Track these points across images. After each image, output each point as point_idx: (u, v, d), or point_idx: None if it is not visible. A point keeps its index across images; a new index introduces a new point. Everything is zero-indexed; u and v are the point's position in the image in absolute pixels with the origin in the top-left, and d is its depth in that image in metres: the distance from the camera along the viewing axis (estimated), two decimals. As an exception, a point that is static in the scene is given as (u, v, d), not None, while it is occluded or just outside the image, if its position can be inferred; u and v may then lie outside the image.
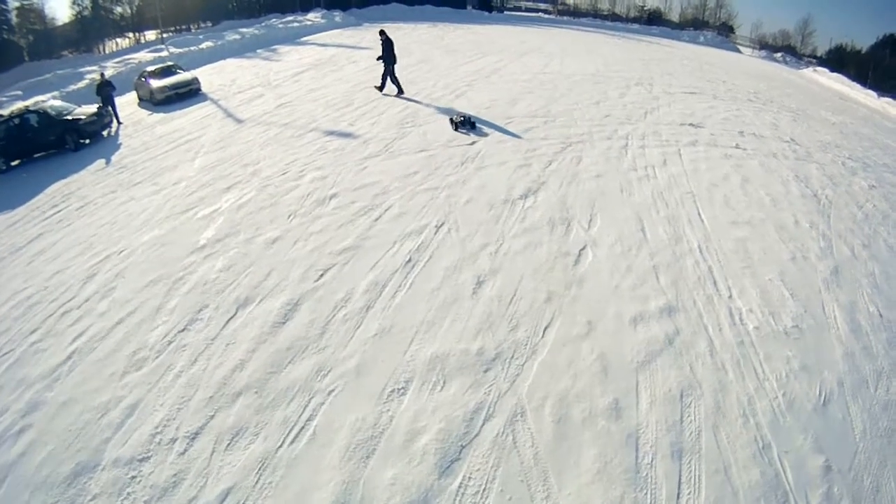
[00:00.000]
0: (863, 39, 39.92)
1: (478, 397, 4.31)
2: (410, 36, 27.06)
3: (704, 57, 27.02)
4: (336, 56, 20.38)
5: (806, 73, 30.33)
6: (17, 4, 27.37)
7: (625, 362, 4.60)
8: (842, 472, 3.77)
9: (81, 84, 17.43)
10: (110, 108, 14.06)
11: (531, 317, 5.10)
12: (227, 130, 12.09)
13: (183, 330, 5.32)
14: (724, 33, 40.71)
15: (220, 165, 9.71)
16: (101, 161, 11.59)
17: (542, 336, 4.90)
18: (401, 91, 13.50)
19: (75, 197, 9.79)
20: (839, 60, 34.15)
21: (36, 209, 9.72)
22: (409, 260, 6.23)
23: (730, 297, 5.51)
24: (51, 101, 13.92)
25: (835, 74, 28.40)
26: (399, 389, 4.48)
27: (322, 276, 6.02)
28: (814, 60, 36.64)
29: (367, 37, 26.01)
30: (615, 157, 9.24)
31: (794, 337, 5.02)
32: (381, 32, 13.39)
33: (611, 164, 8.87)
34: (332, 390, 4.50)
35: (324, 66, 18.87)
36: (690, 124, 11.45)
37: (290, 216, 7.34)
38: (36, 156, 12.84)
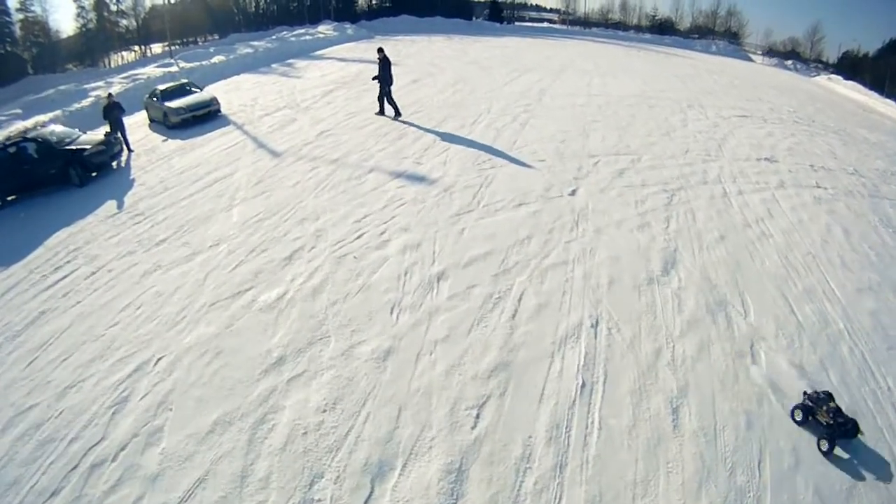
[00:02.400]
0: (867, 43, 39.45)
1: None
2: (430, 50, 25.59)
3: (727, 69, 26.92)
4: (362, 73, 18.57)
5: (821, 82, 30.10)
6: (20, 17, 25.94)
7: (834, 491, 4.01)
8: None
9: (86, 102, 15.36)
10: (119, 135, 12.02)
11: (742, 453, 4.25)
12: (263, 166, 10.16)
13: (292, 526, 3.39)
14: (734, 42, 40.26)
15: (269, 219, 7.79)
16: (112, 203, 9.57)
17: (759, 476, 4.10)
18: (397, 113, 12.63)
19: (83, 256, 7.77)
20: (852, 67, 33.40)
21: (35, 270, 7.68)
22: (583, 384, 4.77)
23: (888, 388, 5.00)
24: (51, 127, 11.84)
25: (850, 83, 28.10)
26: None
27: (478, 418, 4.27)
28: (820, 66, 36.38)
29: (385, 50, 24.40)
30: (723, 208, 8.48)
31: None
32: (380, 50, 12.43)
33: (724, 219, 8.11)
34: None
35: (352, 84, 17.09)
36: (766, 159, 11.08)
37: (393, 310, 5.45)
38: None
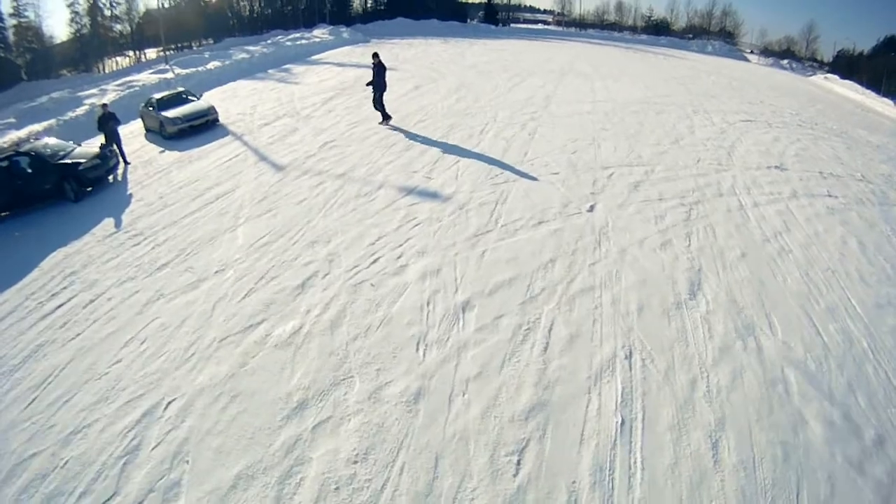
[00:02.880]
0: (861, 41, 39.82)
1: None
2: (428, 54, 25.37)
3: (724, 70, 27.11)
4: (361, 78, 18.22)
5: (817, 81, 30.40)
6: (13, 22, 25.52)
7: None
8: None
9: (80, 111, 14.95)
10: (115, 147, 11.64)
11: (781, 486, 4.16)
12: (266, 181, 9.82)
13: None
14: (730, 42, 40.49)
15: (276, 242, 7.45)
16: (109, 221, 9.19)
17: (800, 508, 3.92)
18: (387, 118, 12.60)
19: (80, 281, 7.39)
20: (848, 66, 33.57)
21: (30, 296, 7.30)
22: (622, 421, 4.54)
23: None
24: (45, 139, 11.43)
25: (847, 82, 28.67)
26: None
27: (519, 464, 4.04)
28: (815, 64, 36.65)
29: (382, 54, 24.10)
30: (741, 222, 8.33)
31: None
32: (375, 56, 12.22)
33: (743, 235, 7.94)
34: None
35: (352, 90, 16.79)
36: (776, 167, 11.01)
37: (418, 345, 5.14)
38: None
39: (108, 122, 11.74)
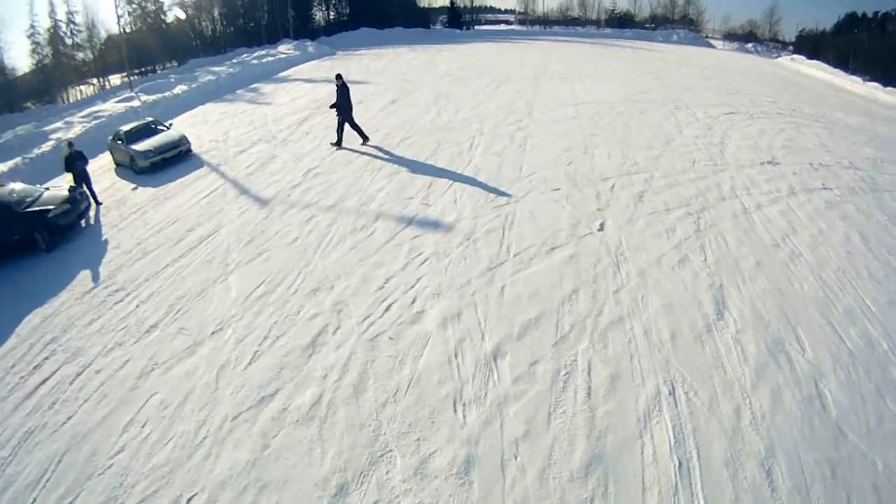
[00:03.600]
0: (822, 19, 40.70)
1: None
2: (398, 64, 24.97)
3: (693, 59, 27.65)
4: (334, 96, 17.66)
5: (784, 63, 30.98)
6: None
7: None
8: None
9: (46, 147, 14.09)
10: (85, 187, 10.91)
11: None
12: (252, 219, 9.26)
13: None
14: (694, 29, 41.16)
15: (274, 292, 6.94)
16: (86, 274, 8.50)
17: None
18: (365, 139, 12.18)
19: (63, 350, 6.74)
20: (814, 46, 34.25)
21: (11, 370, 6.61)
22: (679, 464, 4.40)
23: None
24: (10, 185, 10.60)
25: (814, 62, 29.11)
26: None
27: None
28: (779, 45, 37.40)
29: (351, 67, 23.67)
30: (749, 228, 8.29)
31: None
32: (338, 77, 11.89)
33: (753, 241, 7.89)
34: None
35: (326, 109, 16.16)
36: (768, 162, 11.06)
37: (455, 405, 4.77)
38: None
39: (75, 162, 11.00)
